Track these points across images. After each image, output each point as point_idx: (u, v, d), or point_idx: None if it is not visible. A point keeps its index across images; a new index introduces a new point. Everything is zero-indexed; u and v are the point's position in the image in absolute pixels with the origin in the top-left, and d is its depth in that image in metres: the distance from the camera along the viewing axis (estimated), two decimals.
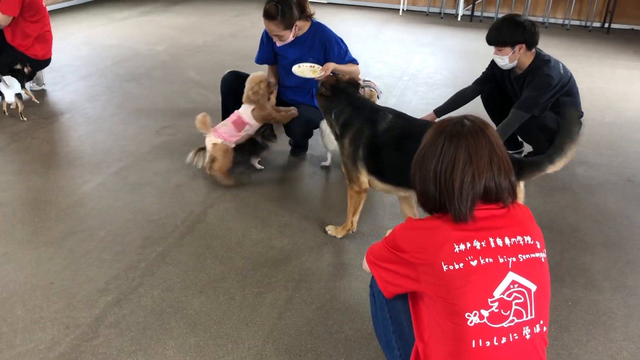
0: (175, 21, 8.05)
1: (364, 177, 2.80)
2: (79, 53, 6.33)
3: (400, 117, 2.74)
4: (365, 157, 2.73)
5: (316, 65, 3.59)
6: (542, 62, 3.35)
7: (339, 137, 2.90)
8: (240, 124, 3.53)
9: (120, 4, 8.94)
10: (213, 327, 2.38)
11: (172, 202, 3.35)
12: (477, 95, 3.77)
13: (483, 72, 3.75)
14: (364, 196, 2.94)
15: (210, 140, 3.47)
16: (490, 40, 3.38)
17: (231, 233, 3.06)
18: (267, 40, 3.77)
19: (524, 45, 3.30)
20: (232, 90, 3.76)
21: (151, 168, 3.76)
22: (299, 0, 3.56)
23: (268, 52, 3.80)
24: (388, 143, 2.65)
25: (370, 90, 3.98)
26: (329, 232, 3.08)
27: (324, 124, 3.64)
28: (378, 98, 4.01)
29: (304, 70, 3.57)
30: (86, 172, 3.67)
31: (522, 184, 2.47)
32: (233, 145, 3.53)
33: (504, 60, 3.37)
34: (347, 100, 2.87)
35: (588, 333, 2.46)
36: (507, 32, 3.29)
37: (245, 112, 3.55)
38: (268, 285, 2.66)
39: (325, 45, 3.65)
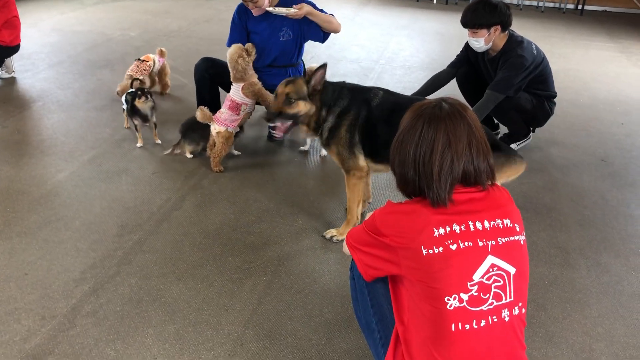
0: (148, 6, 7.91)
1: (362, 161, 2.77)
2: (49, 39, 6.18)
3: (390, 94, 2.76)
4: (361, 140, 2.72)
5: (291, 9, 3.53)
6: (515, 43, 3.36)
7: (331, 132, 2.78)
8: (235, 107, 3.49)
9: None
10: (192, 314, 2.37)
11: (148, 189, 3.31)
12: (453, 78, 3.78)
13: (457, 55, 3.76)
14: (364, 180, 2.89)
15: (214, 128, 3.48)
16: (466, 23, 3.38)
17: (209, 219, 3.04)
18: (239, 19, 3.70)
19: (499, 27, 3.31)
20: (206, 77, 3.70)
21: (126, 155, 3.70)
22: None
23: (240, 32, 3.71)
24: (381, 119, 2.64)
25: None
26: (335, 238, 2.90)
27: None
28: None
29: (278, 10, 3.52)
30: (60, 161, 3.60)
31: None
32: (237, 130, 3.57)
33: (480, 43, 3.37)
34: (341, 86, 2.82)
35: (564, 310, 2.50)
36: (483, 14, 3.30)
37: (236, 92, 3.50)
38: (247, 271, 2.64)
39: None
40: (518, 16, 8.26)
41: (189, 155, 3.68)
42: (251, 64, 3.52)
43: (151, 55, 4.53)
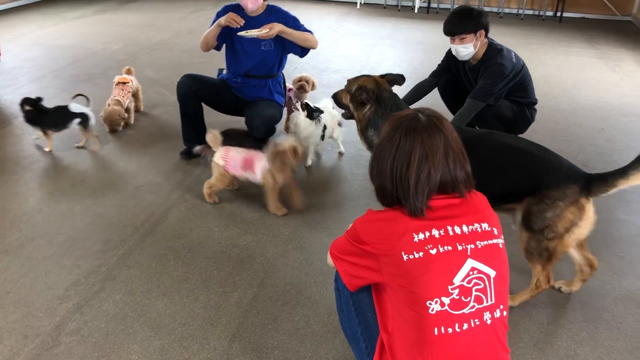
0: (130, 19, 7.90)
1: None
2: (30, 54, 6.15)
3: (460, 131, 2.65)
4: None
5: (262, 28, 3.54)
6: (494, 51, 3.40)
7: None
8: (250, 165, 3.20)
9: (73, 3, 8.72)
10: (178, 329, 2.35)
11: (132, 204, 3.29)
12: (435, 87, 3.81)
13: (439, 64, 3.79)
14: None
15: (217, 156, 3.25)
16: (453, 31, 3.38)
17: (193, 233, 3.03)
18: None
19: (484, 31, 3.35)
20: (189, 94, 3.69)
21: (109, 170, 3.69)
22: None
23: (222, 35, 3.69)
24: None
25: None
26: None
27: (299, 118, 3.63)
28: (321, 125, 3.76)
29: (249, 33, 3.52)
30: (42, 177, 3.57)
31: (590, 205, 2.31)
32: (229, 174, 3.26)
33: (469, 49, 3.38)
34: (392, 107, 2.78)
35: (548, 316, 2.52)
36: (469, 20, 3.33)
37: (262, 163, 3.17)
38: (233, 284, 2.64)
39: (281, 22, 3.63)
40: (498, 24, 8.37)
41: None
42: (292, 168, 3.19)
43: (126, 76, 4.49)
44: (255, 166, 3.17)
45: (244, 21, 3.52)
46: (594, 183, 2.26)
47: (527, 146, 2.48)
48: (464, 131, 2.67)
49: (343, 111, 3.18)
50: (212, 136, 3.27)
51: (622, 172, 2.21)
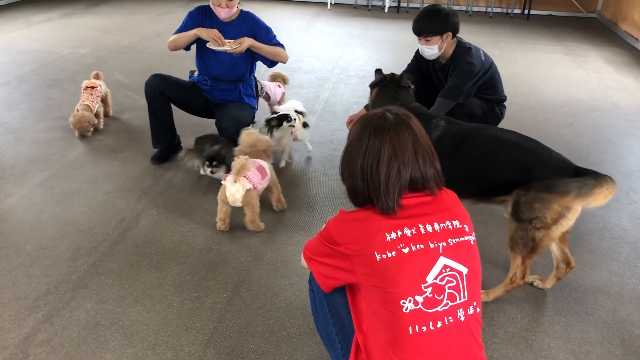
0: (98, 22, 7.77)
1: None
2: None
3: (452, 124, 2.72)
4: None
5: (232, 40, 3.53)
6: (463, 50, 3.43)
7: None
8: (262, 172, 3.13)
9: (38, 7, 8.55)
10: (151, 336, 2.32)
11: (102, 210, 3.24)
12: None
13: (408, 64, 3.80)
14: None
15: (242, 186, 2.94)
16: (419, 31, 3.41)
17: (166, 238, 2.98)
18: (197, 17, 3.63)
19: (450, 33, 3.37)
20: (157, 94, 3.64)
21: (78, 176, 3.62)
22: None
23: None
24: (444, 155, 2.33)
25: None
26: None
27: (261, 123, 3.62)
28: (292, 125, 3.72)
29: (219, 47, 3.50)
30: (9, 185, 3.49)
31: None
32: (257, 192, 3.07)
33: (433, 50, 3.41)
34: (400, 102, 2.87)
35: (522, 310, 2.55)
36: (436, 21, 3.34)
37: (265, 164, 3.20)
38: (207, 289, 2.61)
39: (254, 31, 3.62)
40: (467, 22, 8.45)
41: (201, 171, 3.52)
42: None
43: (95, 81, 4.41)
44: (265, 169, 3.14)
45: (226, 43, 3.50)
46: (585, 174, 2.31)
47: (519, 139, 2.55)
48: (458, 124, 2.73)
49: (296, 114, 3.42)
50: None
51: (609, 178, 2.27)
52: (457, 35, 3.46)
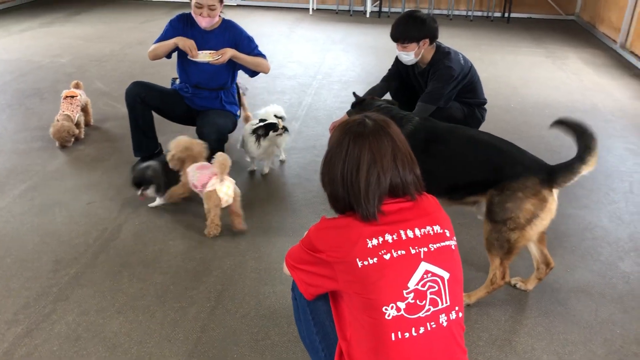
0: (79, 31, 7.71)
1: None
2: None
3: (427, 120, 2.78)
4: None
5: (213, 51, 3.52)
6: (442, 55, 3.44)
7: None
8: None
9: (17, 16, 8.46)
10: (134, 347, 2.29)
11: (84, 220, 3.20)
12: (387, 92, 3.83)
13: (389, 69, 3.82)
14: None
15: (229, 183, 3.04)
16: (396, 38, 3.44)
17: (148, 248, 2.96)
18: (177, 25, 3.61)
19: (427, 40, 3.38)
20: (138, 101, 3.61)
21: (59, 187, 3.58)
22: None
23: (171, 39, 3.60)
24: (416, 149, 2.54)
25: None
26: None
27: (246, 131, 3.59)
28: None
29: (201, 55, 3.50)
30: None
31: (555, 194, 2.38)
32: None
33: (410, 56, 3.44)
34: (375, 107, 2.95)
35: (505, 313, 2.56)
36: (412, 28, 3.36)
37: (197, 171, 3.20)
38: (190, 298, 2.59)
39: (236, 40, 3.61)
40: (448, 26, 8.52)
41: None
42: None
43: (75, 90, 4.37)
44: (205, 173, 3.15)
45: (198, 55, 3.49)
46: (559, 173, 2.32)
47: (492, 139, 2.58)
48: (431, 121, 2.78)
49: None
50: (221, 160, 3.03)
51: (580, 159, 2.27)
52: (437, 40, 3.48)
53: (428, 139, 2.65)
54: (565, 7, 9.40)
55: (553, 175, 2.32)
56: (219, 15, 3.60)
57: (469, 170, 2.53)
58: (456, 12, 9.52)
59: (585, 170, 2.28)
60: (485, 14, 9.46)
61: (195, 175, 3.14)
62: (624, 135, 4.63)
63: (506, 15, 9.16)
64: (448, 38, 7.63)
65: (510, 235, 2.38)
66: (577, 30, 8.57)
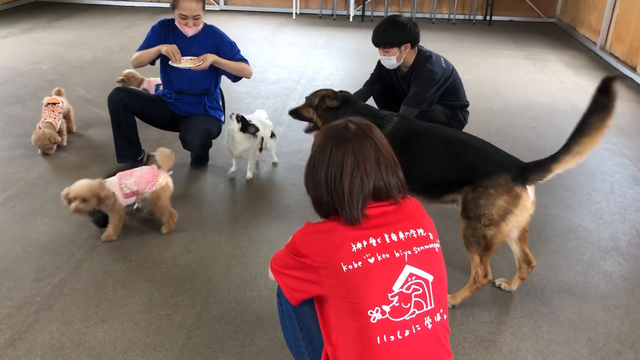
0: (60, 37, 7.64)
1: None
2: None
3: (405, 120, 2.81)
4: None
5: (195, 58, 3.52)
6: (424, 58, 3.47)
7: None
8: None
9: None
10: (119, 356, 2.27)
11: (67, 229, 3.17)
12: (370, 96, 3.85)
13: (372, 73, 3.85)
14: None
15: (164, 179, 3.10)
16: (377, 43, 3.46)
17: (132, 255, 2.94)
18: (159, 31, 3.61)
19: (409, 44, 3.41)
20: (120, 107, 3.59)
21: (42, 195, 3.54)
22: None
23: (153, 46, 3.58)
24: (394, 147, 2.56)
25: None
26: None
27: (232, 126, 3.57)
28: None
29: (183, 61, 3.49)
30: None
31: (531, 191, 2.40)
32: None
33: (392, 60, 3.46)
34: (354, 108, 2.94)
35: (490, 314, 2.58)
36: (393, 33, 3.38)
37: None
38: (175, 305, 2.57)
39: (218, 46, 3.61)
40: (430, 29, 8.57)
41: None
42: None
43: (56, 97, 4.33)
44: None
45: (182, 60, 3.48)
46: (531, 171, 2.35)
47: (467, 138, 2.63)
48: (410, 121, 2.83)
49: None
50: (162, 154, 3.10)
51: (554, 158, 2.29)
52: (419, 44, 3.50)
53: (406, 138, 2.69)
54: (546, 10, 9.52)
55: (525, 172, 2.36)
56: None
57: (443, 168, 2.58)
58: (438, 16, 9.58)
59: (559, 169, 2.30)
60: (467, 17, 9.54)
61: (130, 182, 3.00)
62: (604, 135, 4.68)
63: (488, 18, 9.25)
64: (431, 41, 7.69)
65: (486, 231, 2.41)
66: (558, 33, 8.68)
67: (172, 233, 3.12)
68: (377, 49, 3.53)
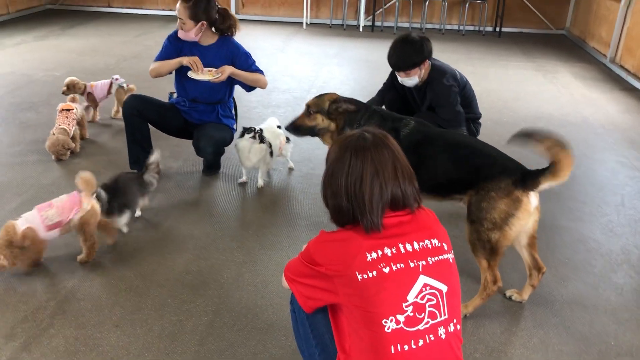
0: (73, 44, 7.73)
1: None
2: None
3: (422, 125, 2.85)
4: None
5: (213, 69, 3.56)
6: (439, 73, 3.46)
7: None
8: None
9: (11, 29, 8.48)
10: None
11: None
12: (382, 105, 3.87)
13: (384, 83, 3.86)
14: None
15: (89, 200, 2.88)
16: (399, 68, 3.43)
17: (145, 261, 2.96)
18: (175, 41, 3.67)
19: (427, 60, 3.41)
20: (135, 114, 3.64)
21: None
22: (224, 11, 3.62)
23: (170, 55, 3.67)
24: (408, 150, 2.42)
25: None
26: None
27: (241, 143, 3.60)
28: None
29: (200, 74, 3.54)
30: None
31: (534, 197, 2.43)
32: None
33: (414, 80, 3.45)
34: (374, 110, 2.97)
35: (501, 324, 2.58)
36: (413, 54, 3.36)
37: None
38: (187, 311, 2.59)
39: (233, 57, 3.65)
40: (441, 40, 8.61)
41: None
42: None
43: (71, 104, 4.39)
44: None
45: (206, 71, 3.53)
46: (530, 177, 2.40)
47: (473, 142, 2.71)
48: (427, 126, 2.87)
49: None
50: (84, 180, 2.89)
51: (549, 170, 2.34)
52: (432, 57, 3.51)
53: (420, 141, 2.75)
54: (556, 22, 9.54)
55: (527, 177, 2.40)
56: (224, 33, 3.65)
57: (449, 170, 2.64)
58: (448, 27, 9.62)
59: (551, 182, 2.34)
60: (477, 28, 9.58)
61: (51, 213, 2.83)
62: (615, 148, 4.69)
63: (497, 29, 9.28)
64: (441, 52, 7.71)
65: (490, 235, 2.44)
66: (567, 45, 8.69)
67: (88, 263, 2.93)
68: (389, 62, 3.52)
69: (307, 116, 3.09)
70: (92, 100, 4.83)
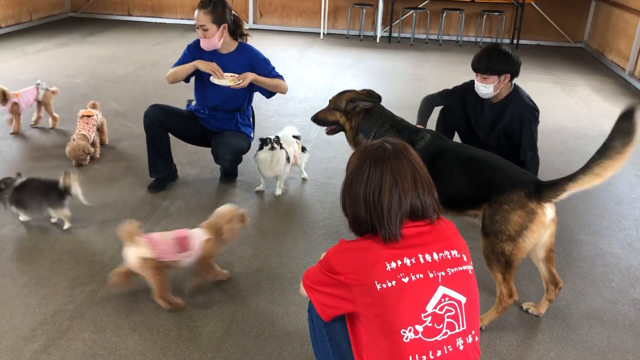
0: (93, 52, 7.85)
1: None
2: None
3: (438, 138, 2.87)
4: None
5: (235, 75, 3.60)
6: (522, 95, 3.41)
7: None
8: (183, 245, 2.67)
9: (33, 37, 8.63)
10: None
11: (100, 239, 3.24)
12: (435, 106, 3.76)
13: (453, 89, 3.71)
14: None
15: (138, 250, 2.58)
16: (478, 68, 3.36)
17: None
18: (194, 50, 3.71)
19: (509, 75, 3.33)
20: (156, 124, 3.68)
21: (75, 205, 3.61)
22: (236, 18, 3.65)
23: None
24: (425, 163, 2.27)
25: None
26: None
27: (262, 155, 3.63)
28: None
29: (222, 80, 3.57)
30: (5, 214, 3.48)
31: (550, 209, 2.43)
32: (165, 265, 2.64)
33: (489, 89, 3.35)
34: (389, 118, 3.01)
35: (517, 337, 2.57)
36: (497, 60, 3.30)
37: (198, 236, 2.73)
38: (204, 318, 2.61)
39: (252, 63, 3.68)
40: (458, 52, 8.62)
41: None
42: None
43: (92, 110, 4.45)
44: (190, 242, 2.69)
45: (228, 77, 3.57)
46: (546, 188, 2.38)
47: (486, 156, 2.69)
48: (442, 139, 2.89)
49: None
50: (131, 229, 2.60)
51: (571, 178, 2.33)
52: (515, 78, 3.41)
53: (435, 154, 2.75)
54: (574, 35, 9.51)
55: (540, 189, 2.39)
56: (241, 39, 3.70)
57: (462, 184, 2.64)
58: (465, 39, 9.63)
59: (574, 189, 2.32)
60: (494, 40, 9.57)
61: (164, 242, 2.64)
62: (633, 162, 4.65)
63: (515, 42, 9.27)
64: (458, 64, 7.73)
65: (504, 247, 2.43)
66: (586, 58, 8.66)
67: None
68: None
69: (329, 111, 3.21)
70: (15, 111, 4.79)
